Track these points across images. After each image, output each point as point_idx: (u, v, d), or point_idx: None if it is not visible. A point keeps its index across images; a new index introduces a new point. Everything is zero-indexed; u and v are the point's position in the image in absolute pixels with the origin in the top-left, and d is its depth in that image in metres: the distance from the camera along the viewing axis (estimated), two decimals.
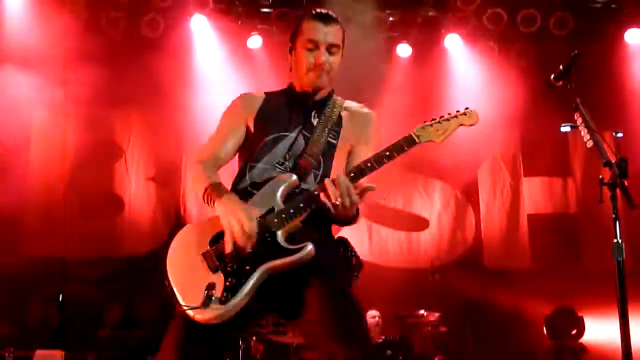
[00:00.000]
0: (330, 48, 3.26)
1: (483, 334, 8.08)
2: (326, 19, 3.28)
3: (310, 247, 2.90)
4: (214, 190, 3.06)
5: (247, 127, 3.32)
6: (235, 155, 3.36)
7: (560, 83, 3.42)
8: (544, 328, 8.39)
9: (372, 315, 7.54)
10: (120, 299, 7.85)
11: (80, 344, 7.34)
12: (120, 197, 8.61)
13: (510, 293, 8.60)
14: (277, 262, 2.91)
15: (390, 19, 8.55)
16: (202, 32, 8.53)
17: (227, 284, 2.90)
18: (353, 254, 3.20)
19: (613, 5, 8.75)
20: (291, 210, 2.97)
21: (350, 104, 3.41)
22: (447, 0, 8.63)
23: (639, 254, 6.17)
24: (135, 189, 8.68)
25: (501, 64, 8.77)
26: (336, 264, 3.11)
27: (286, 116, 3.29)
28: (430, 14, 8.84)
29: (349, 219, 3.04)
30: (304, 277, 2.96)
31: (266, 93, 3.44)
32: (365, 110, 3.43)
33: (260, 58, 8.60)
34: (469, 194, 9.35)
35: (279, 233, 2.95)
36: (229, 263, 2.93)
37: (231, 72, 8.49)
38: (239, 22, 8.53)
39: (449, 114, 3.19)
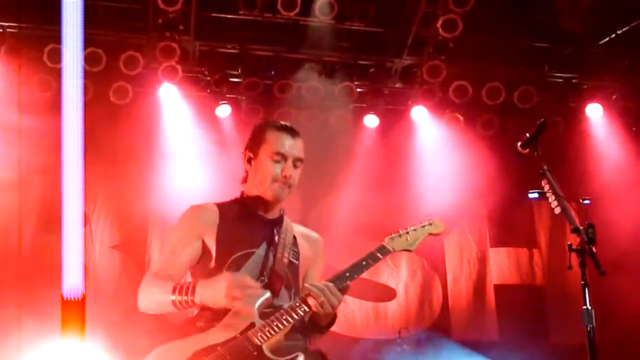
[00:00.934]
0: (296, 162, 3.29)
1: None
2: (292, 132, 3.32)
3: (301, 357, 2.95)
4: (184, 284, 3.03)
5: (204, 243, 3.25)
6: (187, 272, 3.28)
7: (527, 150, 3.46)
8: None
9: None
10: None
11: None
12: (84, 265, 8.42)
13: None
14: None
15: (358, 90, 8.65)
16: (170, 101, 8.54)
17: None
18: None
19: (574, 81, 9.00)
20: (275, 323, 2.95)
21: (298, 227, 3.48)
22: (413, 73, 8.80)
23: (608, 322, 6.18)
24: (100, 258, 8.53)
25: (467, 135, 8.90)
26: None
27: (248, 232, 3.27)
28: (397, 85, 9.00)
29: (331, 321, 3.16)
30: None
31: (217, 205, 3.38)
32: (314, 235, 3.53)
33: (228, 126, 8.63)
34: (436, 264, 9.35)
35: (264, 346, 2.92)
36: None
37: (199, 140, 8.50)
38: (208, 91, 8.59)
39: (416, 225, 3.41)
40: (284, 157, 3.26)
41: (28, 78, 7.94)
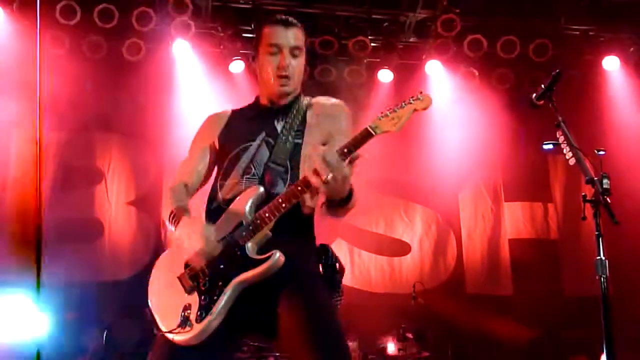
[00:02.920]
0: (293, 51, 3.21)
1: (465, 359, 8.04)
2: (287, 23, 3.24)
3: (278, 254, 2.85)
4: (177, 214, 3.07)
5: (214, 147, 3.29)
6: (209, 177, 3.32)
7: (542, 102, 3.44)
8: (527, 353, 8.37)
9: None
10: (101, 325, 7.72)
11: None
12: (100, 221, 8.52)
13: (493, 318, 8.59)
14: (247, 274, 2.87)
15: (372, 44, 8.59)
16: (183, 57, 8.52)
17: (202, 302, 2.89)
18: (335, 260, 3.13)
19: (591, 33, 8.88)
20: (257, 221, 2.92)
21: (317, 99, 3.33)
22: (427, 26, 8.71)
23: (621, 273, 6.19)
24: (115, 214, 8.60)
25: (482, 89, 8.84)
26: (314, 276, 3.06)
27: (249, 128, 3.24)
28: (411, 40, 8.92)
29: (344, 200, 2.92)
30: (280, 293, 2.92)
31: (233, 110, 3.40)
32: (333, 101, 3.35)
33: (242, 82, 8.60)
34: (451, 219, 9.36)
35: (249, 245, 2.90)
36: (201, 282, 2.91)
37: (213, 97, 8.48)
38: (221, 47, 8.55)
39: (403, 101, 3.06)
40: (279, 48, 3.19)
41: (41, 35, 7.92)
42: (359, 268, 9.00)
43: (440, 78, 9.03)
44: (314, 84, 8.59)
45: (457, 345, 7.76)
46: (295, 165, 3.11)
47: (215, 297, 2.87)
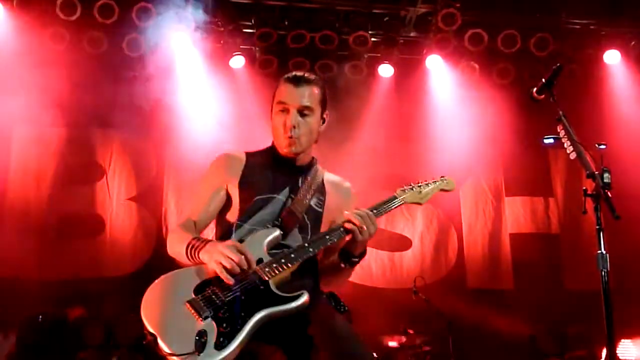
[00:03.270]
0: (302, 110, 3.22)
1: (466, 353, 8.04)
2: (298, 81, 3.24)
3: (306, 296, 2.97)
4: (197, 242, 3.07)
5: (227, 190, 3.31)
6: (212, 219, 3.35)
7: (542, 96, 3.44)
8: (528, 347, 8.38)
9: None
10: (102, 320, 7.73)
11: None
12: (102, 217, 8.53)
13: (494, 313, 8.59)
14: (275, 309, 2.94)
15: (373, 39, 8.58)
16: (184, 53, 8.51)
17: (222, 330, 2.87)
18: (344, 307, 3.29)
19: (592, 27, 8.86)
20: (282, 260, 3.03)
21: (330, 176, 3.47)
22: (428, 21, 8.70)
23: (622, 267, 6.19)
24: (117, 210, 8.60)
25: (482, 84, 8.83)
26: (330, 308, 3.23)
27: (272, 178, 3.29)
28: (412, 34, 8.91)
29: (363, 252, 3.24)
30: (303, 318, 3.03)
31: (247, 153, 3.41)
32: (346, 184, 3.52)
33: (242, 78, 8.60)
34: (452, 214, 9.36)
35: (271, 282, 2.99)
36: (222, 310, 2.91)
37: (213, 92, 8.48)
38: (222, 42, 8.54)
39: (428, 180, 3.53)
40: (286, 107, 3.23)
41: (41, 31, 7.94)
42: (360, 263, 8.98)
43: (440, 72, 9.02)
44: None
45: (458, 340, 7.74)
46: (315, 227, 3.28)
47: (238, 327, 2.88)
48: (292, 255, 3.04)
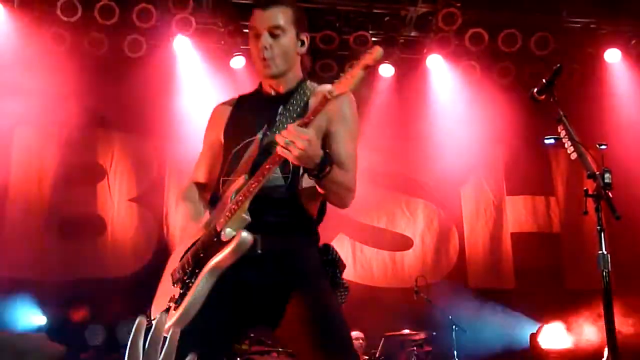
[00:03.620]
0: (272, 30, 3.07)
1: (468, 353, 8.05)
2: (266, 4, 3.11)
3: (244, 234, 2.77)
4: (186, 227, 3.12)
5: (221, 141, 3.23)
6: (217, 175, 3.23)
7: (543, 97, 3.44)
8: (529, 346, 8.39)
9: (356, 337, 7.44)
10: (104, 321, 7.74)
11: None
12: (103, 218, 8.53)
13: (495, 312, 8.60)
14: (216, 257, 2.81)
15: (373, 39, 8.58)
16: (184, 53, 8.52)
17: (181, 291, 2.89)
18: (337, 258, 3.09)
19: (592, 26, 8.86)
20: (232, 205, 2.84)
21: (323, 87, 3.10)
22: (428, 21, 8.70)
23: (622, 267, 6.19)
24: (118, 211, 8.61)
25: (483, 84, 8.83)
26: (319, 274, 3.02)
27: (253, 119, 3.14)
28: (412, 34, 8.91)
29: (319, 168, 2.82)
30: (283, 291, 2.90)
31: (240, 97, 3.33)
32: (327, 86, 3.06)
33: (243, 78, 8.60)
34: (453, 213, 9.37)
35: (226, 231, 2.80)
36: (186, 272, 2.91)
37: (214, 93, 8.48)
38: (222, 43, 8.55)
39: (354, 60, 2.90)
40: (257, 31, 3.09)
41: (42, 32, 7.95)
42: (361, 263, 9.01)
43: (441, 72, 9.03)
44: (315, 79, 8.57)
45: (460, 339, 7.76)
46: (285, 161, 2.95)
47: (190, 284, 2.86)
48: (240, 197, 2.82)
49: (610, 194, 3.05)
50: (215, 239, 2.84)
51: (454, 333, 7.68)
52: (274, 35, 3.08)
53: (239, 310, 2.92)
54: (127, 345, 1.53)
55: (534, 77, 8.30)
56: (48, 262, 8.02)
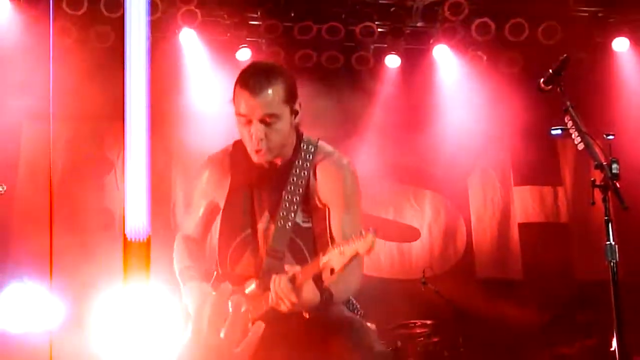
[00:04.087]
0: (265, 118, 2.88)
1: (476, 343, 8.05)
2: (254, 89, 2.86)
3: (254, 284, 2.86)
4: (184, 275, 3.12)
5: (217, 207, 3.18)
6: (209, 232, 3.28)
7: (550, 87, 3.43)
8: (537, 336, 8.38)
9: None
10: None
11: None
12: (111, 211, 8.55)
13: (503, 302, 8.60)
14: None
15: (379, 30, 8.56)
16: (190, 46, 8.52)
17: None
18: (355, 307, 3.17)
19: (600, 15, 8.81)
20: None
21: (321, 154, 3.01)
22: (435, 11, 8.66)
23: (631, 257, 6.17)
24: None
25: (490, 74, 8.80)
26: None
27: (251, 207, 3.01)
28: (419, 24, 8.88)
29: (320, 306, 2.79)
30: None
31: (233, 152, 3.16)
32: (336, 161, 3.04)
33: None
34: (460, 204, 9.34)
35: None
36: None
37: (220, 85, 8.45)
38: (228, 35, 8.54)
39: (350, 240, 2.71)
40: (247, 119, 2.92)
41: (48, 26, 7.96)
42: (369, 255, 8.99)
43: (448, 62, 9.00)
44: (321, 70, 8.60)
45: (467, 330, 7.76)
46: (297, 247, 2.97)
47: None
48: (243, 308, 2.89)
49: (617, 184, 3.04)
50: None
51: (461, 323, 7.69)
52: (268, 123, 2.89)
53: None
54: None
55: (541, 67, 8.23)
56: (56, 255, 8.02)
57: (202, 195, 3.25)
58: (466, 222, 9.31)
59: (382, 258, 9.04)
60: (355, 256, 2.62)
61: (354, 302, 3.22)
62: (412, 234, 9.19)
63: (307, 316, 2.81)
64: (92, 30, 8.14)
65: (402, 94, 8.98)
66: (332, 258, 2.65)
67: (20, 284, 7.45)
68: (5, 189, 4.98)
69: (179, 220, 8.51)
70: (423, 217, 9.25)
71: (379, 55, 8.94)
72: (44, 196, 8.27)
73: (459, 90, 9.00)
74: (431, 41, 8.93)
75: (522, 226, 9.37)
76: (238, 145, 3.17)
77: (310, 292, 2.71)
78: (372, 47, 8.86)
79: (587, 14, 8.81)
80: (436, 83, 9.10)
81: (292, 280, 2.69)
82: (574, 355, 8.06)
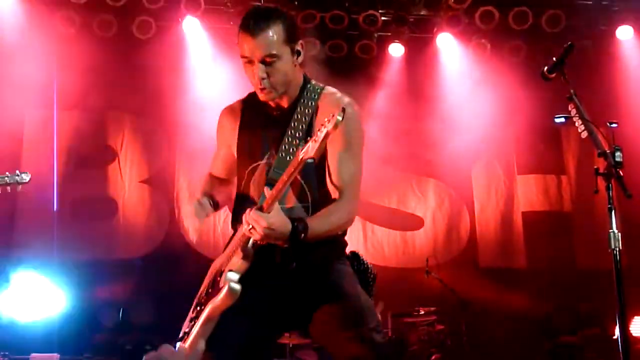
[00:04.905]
0: (267, 59, 2.97)
1: (479, 332, 8.08)
2: (254, 31, 2.97)
3: (232, 285, 2.84)
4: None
5: (232, 152, 3.30)
6: (230, 171, 3.37)
7: (554, 75, 3.41)
8: (541, 325, 8.39)
9: None
10: (116, 302, 7.79)
11: (75, 347, 7.31)
12: (114, 200, 8.56)
13: (506, 291, 8.61)
14: (211, 305, 2.90)
15: (383, 18, 8.54)
16: (193, 34, 8.51)
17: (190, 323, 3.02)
18: (367, 266, 3.21)
19: (604, 2, 8.78)
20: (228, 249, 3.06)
21: (325, 95, 3.10)
22: None
23: (634, 246, 6.18)
24: (129, 192, 8.63)
25: (493, 62, 8.78)
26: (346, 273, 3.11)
27: (258, 142, 3.13)
28: (422, 13, 8.86)
29: (292, 240, 2.82)
30: (315, 301, 3.01)
31: (244, 101, 3.30)
32: (338, 98, 3.09)
33: None
34: (464, 193, 9.34)
35: (228, 274, 2.88)
36: (194, 309, 3.06)
37: (223, 74, 8.45)
38: (231, 23, 8.51)
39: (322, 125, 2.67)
40: (250, 61, 3.01)
41: (51, 15, 7.98)
42: (372, 243, 9.01)
43: (451, 51, 8.98)
44: (326, 59, 8.58)
45: (471, 318, 7.78)
46: (297, 184, 2.99)
47: (193, 324, 2.98)
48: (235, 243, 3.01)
49: (621, 172, 3.03)
50: (217, 278, 2.97)
51: (464, 312, 7.70)
52: (269, 63, 2.99)
53: (275, 315, 3.02)
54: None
55: (545, 55, 8.23)
56: (59, 244, 8.06)
57: (221, 141, 3.38)
58: (470, 211, 9.31)
59: (386, 247, 9.06)
60: (327, 136, 2.60)
61: (364, 261, 3.27)
62: (415, 223, 9.20)
63: (285, 246, 2.84)
64: (95, 19, 8.13)
65: (405, 83, 8.96)
66: (307, 149, 2.65)
67: (24, 273, 7.48)
68: (30, 177, 5.00)
69: (183, 209, 8.51)
70: (427, 205, 9.26)
71: (383, 44, 8.93)
72: (48, 184, 8.34)
73: (463, 79, 8.98)
74: (435, 29, 8.91)
75: (526, 215, 9.37)
76: (251, 95, 3.30)
77: (277, 216, 2.76)
78: (375, 35, 8.84)
79: (591, 2, 8.77)
80: (440, 71, 9.07)
81: (261, 208, 2.79)
82: (576, 343, 8.08)
